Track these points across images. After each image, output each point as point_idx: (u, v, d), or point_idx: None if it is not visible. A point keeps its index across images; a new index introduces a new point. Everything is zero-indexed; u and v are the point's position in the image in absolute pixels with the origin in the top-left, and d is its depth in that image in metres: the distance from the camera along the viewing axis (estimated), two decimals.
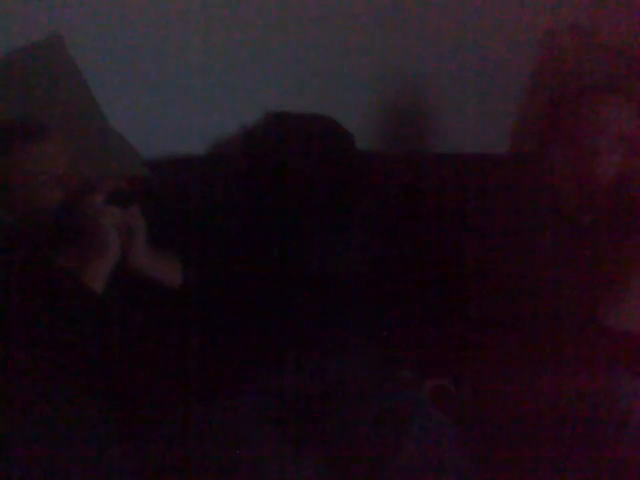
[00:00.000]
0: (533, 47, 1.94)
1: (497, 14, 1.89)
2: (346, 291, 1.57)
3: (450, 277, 1.50)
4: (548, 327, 1.34)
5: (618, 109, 1.40)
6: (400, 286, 1.58)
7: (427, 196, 1.66)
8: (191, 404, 1.18)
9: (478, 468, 1.17)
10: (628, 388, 1.22)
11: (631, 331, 1.31)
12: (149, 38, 1.58)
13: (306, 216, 1.61)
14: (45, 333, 1.11)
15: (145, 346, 1.23)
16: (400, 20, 1.79)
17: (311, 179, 1.64)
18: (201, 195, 1.57)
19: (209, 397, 1.20)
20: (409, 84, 1.85)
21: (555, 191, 1.45)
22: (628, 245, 1.34)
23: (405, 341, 1.49)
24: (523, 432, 1.27)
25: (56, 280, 1.16)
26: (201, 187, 1.58)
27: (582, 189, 1.42)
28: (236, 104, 1.68)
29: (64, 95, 1.45)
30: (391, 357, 1.44)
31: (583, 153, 1.40)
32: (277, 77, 1.70)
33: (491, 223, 1.45)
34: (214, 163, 1.65)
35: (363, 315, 1.53)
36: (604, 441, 1.19)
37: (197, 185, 1.58)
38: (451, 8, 1.83)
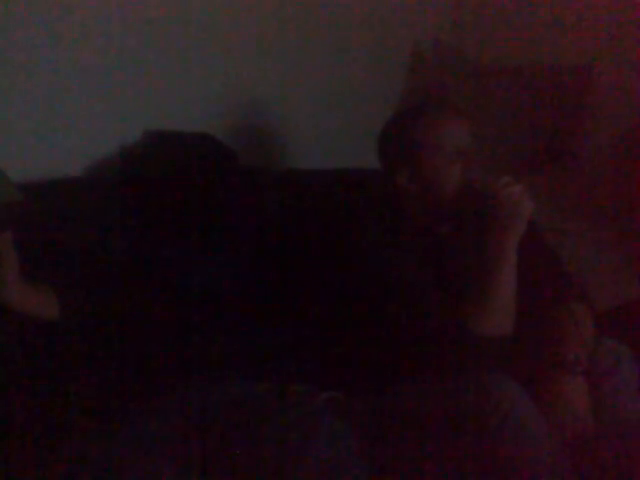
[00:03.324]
0: (400, 63, 2.04)
1: (360, 32, 1.98)
2: (233, 309, 1.57)
3: (326, 290, 1.56)
4: (425, 337, 1.40)
5: (449, 125, 1.47)
6: (283, 300, 1.61)
7: (302, 212, 1.70)
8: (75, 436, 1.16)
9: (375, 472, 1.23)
10: (503, 387, 1.29)
11: (497, 336, 1.38)
12: (19, 56, 1.51)
13: (189, 235, 1.59)
14: None
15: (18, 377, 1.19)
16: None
17: (193, 197, 1.63)
18: (79, 218, 1.52)
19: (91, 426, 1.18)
20: (285, 102, 1.89)
21: (408, 209, 1.52)
22: (484, 253, 1.40)
23: (294, 356, 1.52)
24: (414, 436, 1.33)
25: None
26: (79, 210, 1.53)
27: (431, 207, 1.49)
28: (113, 123, 1.64)
29: None
30: (282, 372, 1.46)
31: (426, 176, 1.47)
32: (155, 96, 1.69)
33: (359, 237, 1.50)
34: (92, 184, 1.60)
35: (250, 332, 1.54)
36: (488, 440, 1.26)
37: (75, 208, 1.53)
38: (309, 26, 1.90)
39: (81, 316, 1.34)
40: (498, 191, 1.38)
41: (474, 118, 1.62)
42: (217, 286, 1.58)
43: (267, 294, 1.60)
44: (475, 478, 1.27)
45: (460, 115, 1.51)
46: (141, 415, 1.23)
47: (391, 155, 1.53)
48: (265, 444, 1.16)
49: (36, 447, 1.12)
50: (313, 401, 1.36)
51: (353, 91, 1.99)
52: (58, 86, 1.56)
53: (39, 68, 1.54)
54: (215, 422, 1.22)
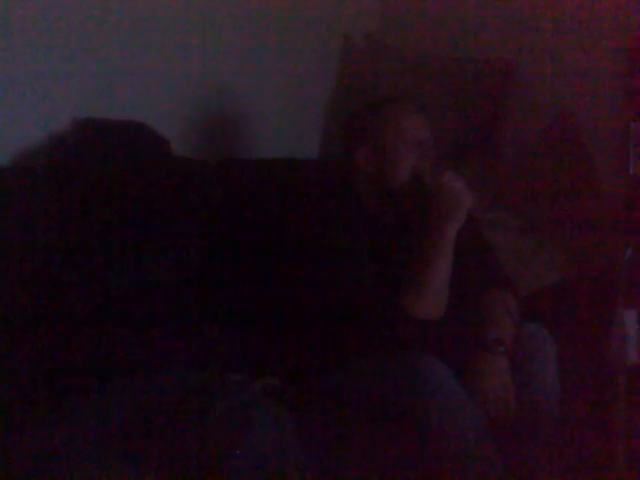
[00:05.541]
0: (334, 54, 2.07)
1: (300, 22, 1.99)
2: (171, 300, 1.57)
3: (268, 278, 1.60)
4: (361, 319, 1.46)
5: (413, 117, 1.58)
6: (222, 288, 1.63)
7: (242, 202, 1.73)
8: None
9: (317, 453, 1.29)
10: (431, 367, 1.38)
11: (430, 320, 1.46)
12: None
13: (121, 225, 1.58)
14: None
15: None
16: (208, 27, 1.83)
17: (126, 186, 1.61)
18: (6, 208, 1.48)
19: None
20: (220, 91, 1.89)
21: (359, 193, 1.59)
22: (424, 241, 1.49)
23: (233, 345, 1.54)
24: (349, 415, 1.39)
25: None
26: (4, 200, 1.49)
27: (382, 190, 1.57)
28: (41, 110, 1.60)
29: None
30: (219, 362, 1.48)
31: (384, 158, 1.56)
32: (85, 82, 1.66)
33: (304, 225, 1.55)
34: (20, 174, 1.56)
35: (190, 323, 1.55)
36: (418, 418, 1.34)
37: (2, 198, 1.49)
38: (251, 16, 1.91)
39: (7, 307, 1.31)
40: (442, 184, 1.48)
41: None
42: (151, 277, 1.58)
43: (203, 283, 1.61)
44: (406, 455, 1.34)
45: (422, 111, 1.60)
46: (80, 407, 1.23)
47: (354, 134, 1.60)
48: (204, 433, 1.17)
49: None
50: (250, 389, 1.39)
51: (286, 79, 2.01)
52: None
53: None
54: (154, 412, 1.23)
